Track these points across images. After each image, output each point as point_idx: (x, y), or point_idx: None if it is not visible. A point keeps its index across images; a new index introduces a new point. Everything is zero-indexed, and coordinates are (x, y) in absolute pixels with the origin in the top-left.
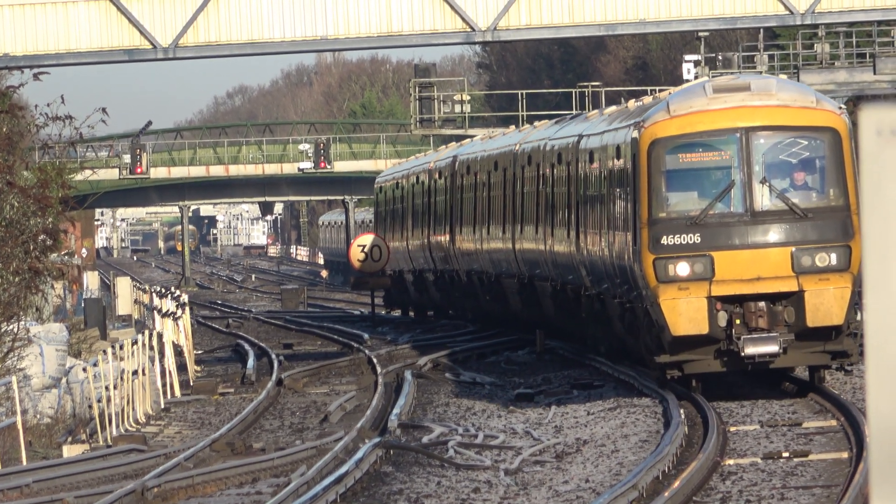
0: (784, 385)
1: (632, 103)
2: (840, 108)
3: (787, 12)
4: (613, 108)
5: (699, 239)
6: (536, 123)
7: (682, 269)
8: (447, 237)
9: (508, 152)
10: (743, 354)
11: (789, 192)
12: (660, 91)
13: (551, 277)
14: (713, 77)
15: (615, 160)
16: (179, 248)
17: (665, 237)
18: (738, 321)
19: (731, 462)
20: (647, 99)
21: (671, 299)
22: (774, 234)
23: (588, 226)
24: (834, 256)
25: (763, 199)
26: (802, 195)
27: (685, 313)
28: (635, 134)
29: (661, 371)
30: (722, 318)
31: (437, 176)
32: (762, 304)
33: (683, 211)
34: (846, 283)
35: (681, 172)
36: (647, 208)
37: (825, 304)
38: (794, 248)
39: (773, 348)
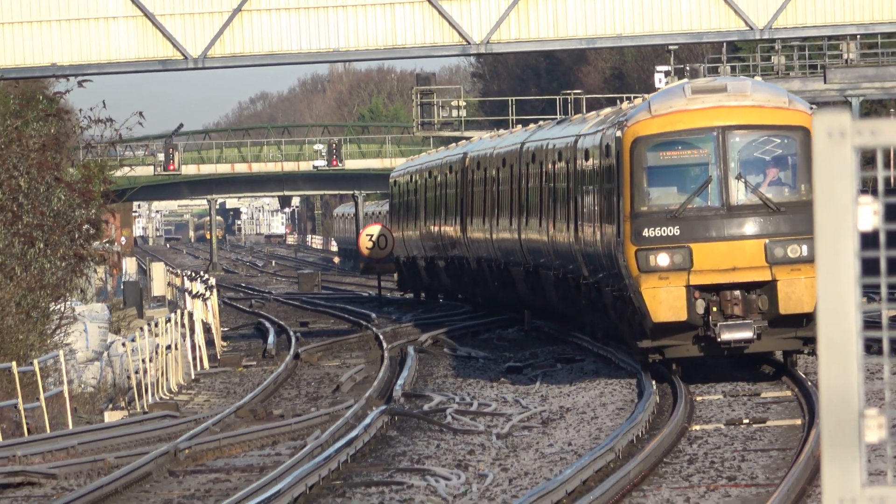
0: (762, 367)
1: (625, 105)
2: (811, 108)
3: (748, 28)
4: (608, 109)
5: (678, 231)
6: (541, 122)
7: (663, 259)
8: (459, 227)
9: (515, 150)
10: (719, 340)
11: (763, 187)
12: (634, 98)
13: (554, 267)
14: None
15: (605, 158)
16: (208, 237)
17: (646, 230)
18: (714, 309)
19: (698, 428)
20: (640, 101)
21: (652, 288)
22: (749, 227)
23: (584, 219)
24: (805, 248)
25: (738, 194)
26: (775, 190)
27: (665, 301)
28: (619, 133)
29: (644, 355)
30: (700, 306)
31: (448, 171)
32: (737, 292)
33: (664, 205)
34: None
35: (661, 169)
36: (630, 202)
37: (797, 292)
38: (767, 241)
39: (747, 334)
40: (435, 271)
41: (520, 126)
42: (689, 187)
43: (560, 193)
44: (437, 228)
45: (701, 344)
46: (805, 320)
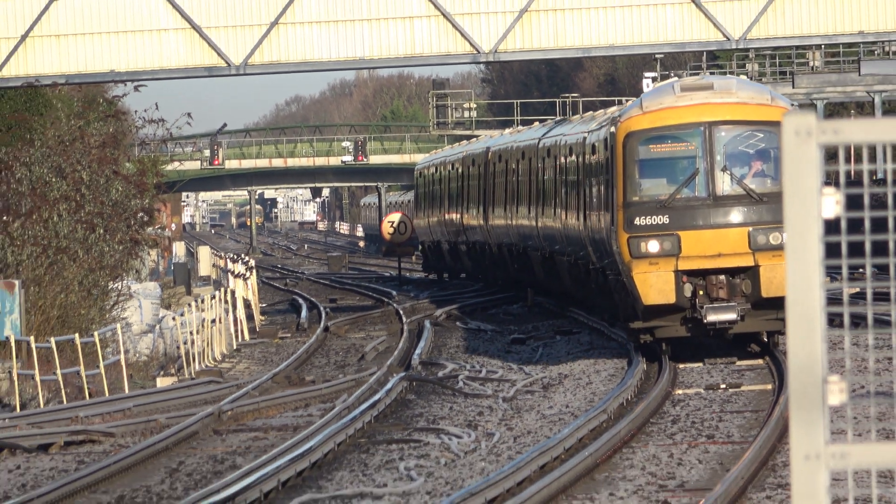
0: (748, 347)
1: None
2: (792, 104)
3: (725, 39)
4: (614, 108)
5: (668, 220)
6: (557, 119)
7: (653, 246)
8: (481, 214)
9: (533, 145)
10: (705, 321)
11: (747, 178)
12: (626, 101)
13: (567, 252)
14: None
15: (604, 152)
16: (248, 224)
17: (638, 218)
18: (701, 292)
19: (680, 392)
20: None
21: (643, 273)
22: (734, 215)
23: (591, 209)
24: (786, 234)
25: (724, 184)
26: (758, 181)
27: (655, 285)
28: (613, 129)
29: (635, 336)
30: (687, 290)
31: (471, 163)
32: (722, 277)
33: (654, 195)
34: None
35: (652, 161)
36: (623, 193)
37: (778, 277)
38: (751, 228)
39: (731, 316)
40: (457, 255)
41: (537, 122)
42: (678, 179)
43: (571, 185)
44: (459, 216)
45: (688, 325)
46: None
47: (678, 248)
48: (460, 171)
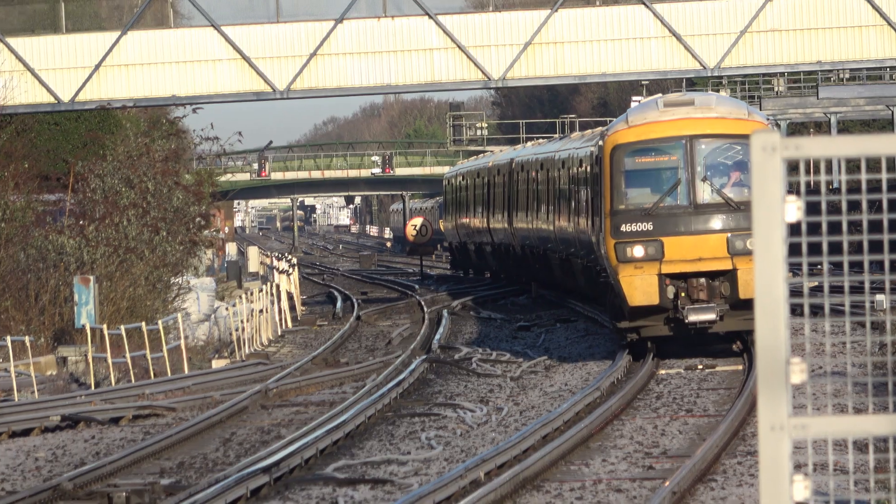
0: (734, 345)
1: None
2: (767, 119)
3: (702, 67)
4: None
5: (652, 227)
6: (572, 135)
7: (638, 251)
8: (506, 218)
9: (551, 157)
10: (687, 321)
11: (726, 188)
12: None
13: (580, 255)
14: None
15: (598, 164)
16: (291, 227)
17: (624, 225)
18: (683, 294)
19: (663, 372)
20: None
21: (629, 276)
22: (713, 222)
23: (595, 215)
24: None
25: (704, 194)
26: (736, 191)
27: (640, 287)
28: (601, 142)
29: (623, 334)
30: (670, 292)
31: (496, 172)
32: (703, 280)
33: (639, 204)
34: None
35: (637, 172)
36: (610, 201)
37: (754, 280)
38: (729, 234)
39: (711, 316)
40: (482, 254)
41: (557, 135)
42: (662, 188)
43: (582, 194)
44: (485, 219)
45: (671, 325)
46: None
47: (661, 253)
48: (486, 179)
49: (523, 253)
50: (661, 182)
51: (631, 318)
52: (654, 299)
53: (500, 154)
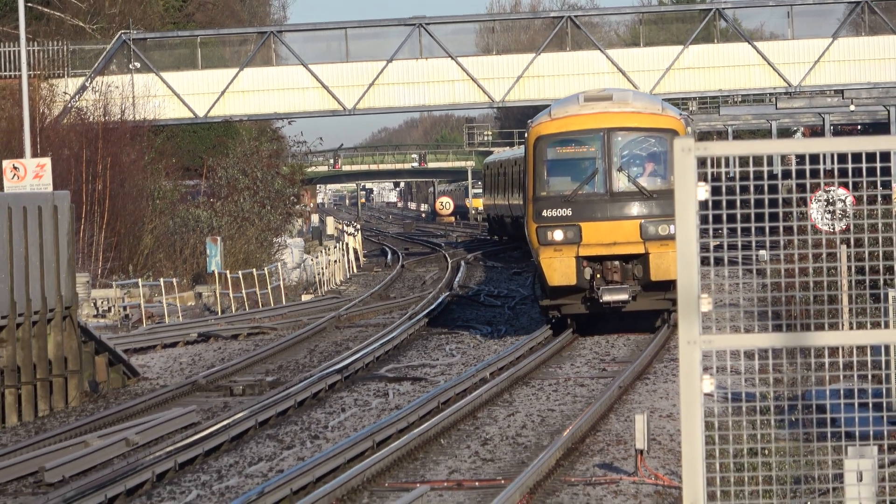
0: (656, 323)
1: None
2: (680, 114)
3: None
4: None
5: (570, 213)
6: None
7: (558, 235)
8: (507, 197)
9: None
10: (601, 301)
11: (640, 177)
12: None
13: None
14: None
15: (525, 154)
16: (356, 203)
17: (545, 210)
18: (598, 275)
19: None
20: None
21: (549, 258)
22: (628, 209)
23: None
24: (672, 227)
25: (620, 183)
26: (650, 180)
27: (559, 269)
28: (526, 133)
29: (545, 311)
30: (587, 273)
31: (513, 164)
32: (617, 263)
33: (559, 191)
34: None
35: (558, 162)
36: (533, 188)
37: (665, 263)
38: (642, 221)
39: (624, 296)
40: (516, 225)
41: None
42: (580, 177)
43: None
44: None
45: (587, 304)
46: (672, 286)
47: (579, 237)
48: (506, 169)
49: (514, 222)
50: (580, 171)
51: (552, 297)
52: (571, 280)
53: (515, 149)
